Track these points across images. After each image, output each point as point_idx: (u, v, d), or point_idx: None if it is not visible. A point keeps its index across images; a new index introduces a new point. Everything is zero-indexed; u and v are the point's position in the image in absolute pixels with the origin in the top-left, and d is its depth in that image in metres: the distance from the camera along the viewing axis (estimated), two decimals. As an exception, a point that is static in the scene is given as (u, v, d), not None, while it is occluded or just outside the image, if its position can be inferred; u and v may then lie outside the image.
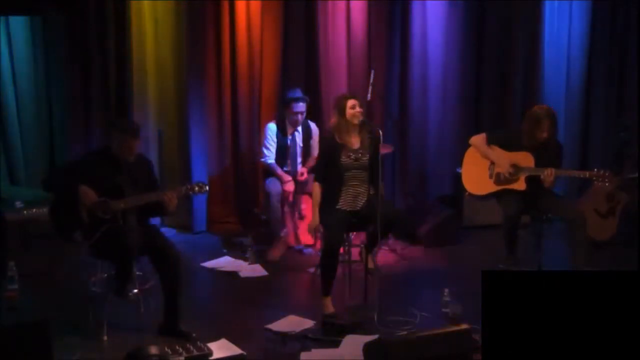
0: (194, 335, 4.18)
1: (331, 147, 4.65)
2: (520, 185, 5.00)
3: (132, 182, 4.30)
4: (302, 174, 5.74)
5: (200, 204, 6.39)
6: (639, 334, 2.64)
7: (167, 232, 5.85)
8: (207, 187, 4.46)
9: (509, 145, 5.09)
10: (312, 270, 5.32)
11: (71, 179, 4.19)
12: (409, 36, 6.71)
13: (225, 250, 5.88)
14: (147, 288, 4.56)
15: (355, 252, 5.20)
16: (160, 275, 4.27)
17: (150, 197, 4.26)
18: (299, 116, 5.77)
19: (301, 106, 5.75)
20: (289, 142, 5.84)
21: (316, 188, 4.66)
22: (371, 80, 5.54)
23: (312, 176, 5.37)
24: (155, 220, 5.66)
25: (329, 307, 4.52)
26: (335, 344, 4.15)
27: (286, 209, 5.81)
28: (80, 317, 4.46)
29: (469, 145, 5.26)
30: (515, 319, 2.72)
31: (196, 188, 4.40)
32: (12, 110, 6.10)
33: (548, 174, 4.83)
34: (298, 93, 5.83)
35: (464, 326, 3.98)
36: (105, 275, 4.49)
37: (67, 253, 5.13)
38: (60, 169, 4.79)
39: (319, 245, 5.50)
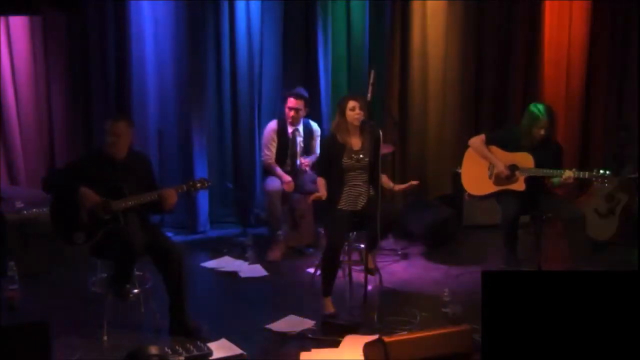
0: (205, 328, 4.20)
1: (332, 146, 4.67)
2: (519, 185, 5.00)
3: (131, 181, 4.29)
4: (306, 165, 5.71)
5: (201, 204, 6.40)
6: (639, 334, 2.64)
7: (167, 232, 5.85)
8: (208, 183, 4.47)
9: (507, 144, 5.09)
10: (312, 270, 5.31)
11: (70, 181, 4.18)
12: (409, 36, 6.72)
13: (225, 250, 5.87)
14: (147, 288, 4.56)
15: (355, 252, 5.21)
16: (163, 275, 4.27)
17: (150, 196, 4.26)
18: (293, 112, 5.74)
19: (292, 101, 5.72)
20: (289, 141, 5.83)
21: (321, 181, 4.68)
22: (371, 80, 5.55)
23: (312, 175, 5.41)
24: (157, 220, 5.67)
25: (329, 307, 4.52)
26: (335, 344, 4.15)
27: (286, 208, 5.81)
28: (80, 317, 4.46)
29: (469, 146, 5.26)
30: (515, 319, 2.72)
31: (198, 184, 4.42)
32: (12, 110, 6.10)
33: (568, 178, 4.80)
34: (297, 90, 5.83)
35: (464, 326, 3.98)
36: (105, 275, 4.49)
37: (67, 253, 5.13)
38: (59, 170, 4.77)
39: (319, 245, 5.52)
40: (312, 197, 4.62)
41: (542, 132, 4.94)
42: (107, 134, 4.28)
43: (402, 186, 4.82)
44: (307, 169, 5.68)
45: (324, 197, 4.59)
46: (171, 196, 4.28)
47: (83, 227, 4.16)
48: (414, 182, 4.80)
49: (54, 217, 4.25)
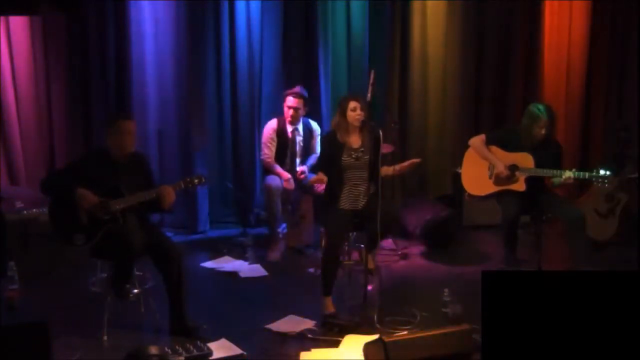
0: (204, 326, 4.20)
1: (332, 144, 4.67)
2: (519, 186, 5.00)
3: (130, 181, 4.29)
4: (302, 173, 5.73)
5: (201, 204, 6.40)
6: (639, 334, 2.64)
7: (167, 232, 5.84)
8: (205, 179, 4.47)
9: (508, 144, 5.10)
10: (312, 270, 5.32)
11: (68, 182, 4.17)
12: (409, 36, 6.72)
13: (225, 250, 5.87)
14: (147, 288, 4.56)
15: (355, 252, 5.21)
16: (163, 275, 4.27)
17: (149, 195, 4.26)
18: (292, 111, 5.75)
19: (291, 100, 5.73)
20: (289, 141, 5.83)
21: (320, 172, 4.67)
22: (371, 80, 5.55)
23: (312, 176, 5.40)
24: (156, 220, 5.66)
25: (329, 307, 4.51)
26: (335, 344, 4.15)
27: (286, 207, 5.81)
28: (80, 317, 4.46)
29: (469, 146, 5.27)
30: (515, 319, 2.72)
31: (195, 180, 4.41)
32: (12, 110, 6.10)
33: (568, 179, 4.82)
34: (296, 88, 5.83)
35: (464, 326, 3.98)
36: (105, 275, 4.49)
37: (67, 253, 5.13)
38: (58, 170, 4.76)
39: (319, 245, 5.51)
40: (314, 179, 4.61)
41: (543, 131, 4.94)
42: (119, 132, 4.25)
43: (403, 164, 4.75)
44: (303, 176, 5.70)
45: (324, 180, 4.58)
46: (169, 194, 4.28)
47: (83, 229, 4.16)
48: (415, 160, 4.74)
49: (53, 219, 4.24)
